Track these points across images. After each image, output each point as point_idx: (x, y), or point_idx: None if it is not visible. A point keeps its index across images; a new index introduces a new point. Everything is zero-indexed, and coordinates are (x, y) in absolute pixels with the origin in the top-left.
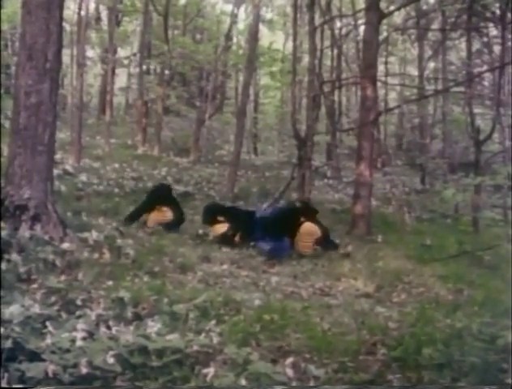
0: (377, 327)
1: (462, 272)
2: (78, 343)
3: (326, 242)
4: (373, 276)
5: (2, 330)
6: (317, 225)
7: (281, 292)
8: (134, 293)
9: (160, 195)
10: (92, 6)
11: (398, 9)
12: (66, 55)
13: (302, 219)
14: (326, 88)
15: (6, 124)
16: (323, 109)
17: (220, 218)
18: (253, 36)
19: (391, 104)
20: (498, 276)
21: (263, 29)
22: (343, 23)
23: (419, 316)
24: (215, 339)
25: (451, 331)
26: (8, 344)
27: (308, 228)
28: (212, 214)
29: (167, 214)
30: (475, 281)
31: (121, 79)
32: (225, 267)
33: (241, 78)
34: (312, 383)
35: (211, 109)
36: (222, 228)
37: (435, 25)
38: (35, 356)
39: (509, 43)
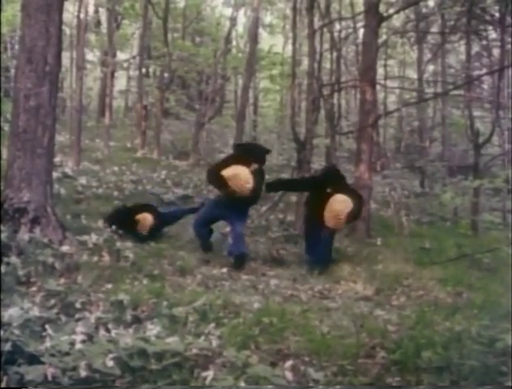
0: (376, 330)
1: (462, 275)
2: (78, 346)
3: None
4: (372, 279)
5: (2, 332)
6: (348, 194)
7: (280, 295)
8: (133, 296)
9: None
10: (92, 9)
11: (398, 12)
12: (66, 58)
13: (329, 189)
14: (326, 91)
15: (6, 127)
16: (322, 112)
17: None
18: (253, 39)
19: (390, 108)
20: (497, 279)
21: (263, 32)
22: (342, 26)
23: (418, 319)
24: (215, 342)
25: (450, 334)
26: (7, 346)
27: (340, 201)
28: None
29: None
30: (475, 284)
31: (120, 82)
32: (224, 269)
33: (241, 81)
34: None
35: (211, 112)
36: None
37: (434, 28)
38: (34, 359)
39: (509, 46)
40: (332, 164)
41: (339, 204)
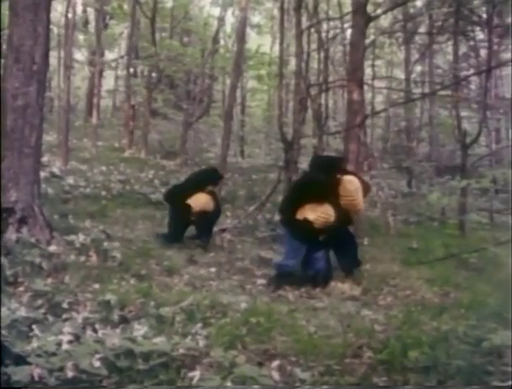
0: (363, 329)
1: (449, 275)
2: (65, 346)
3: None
4: (359, 279)
5: None
6: (350, 174)
7: (267, 294)
8: (120, 296)
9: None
10: (80, 8)
11: (385, 12)
12: (54, 57)
13: (338, 176)
14: (313, 91)
15: None
16: (310, 112)
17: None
18: (240, 39)
19: (378, 108)
20: (484, 279)
21: (251, 32)
22: (330, 26)
23: (405, 319)
24: (202, 343)
25: (437, 333)
26: None
27: (351, 180)
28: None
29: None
30: (462, 284)
31: (108, 82)
32: (212, 269)
33: (228, 81)
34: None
35: (198, 111)
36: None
37: (422, 29)
38: (21, 360)
39: (496, 47)
40: (317, 155)
41: (351, 184)
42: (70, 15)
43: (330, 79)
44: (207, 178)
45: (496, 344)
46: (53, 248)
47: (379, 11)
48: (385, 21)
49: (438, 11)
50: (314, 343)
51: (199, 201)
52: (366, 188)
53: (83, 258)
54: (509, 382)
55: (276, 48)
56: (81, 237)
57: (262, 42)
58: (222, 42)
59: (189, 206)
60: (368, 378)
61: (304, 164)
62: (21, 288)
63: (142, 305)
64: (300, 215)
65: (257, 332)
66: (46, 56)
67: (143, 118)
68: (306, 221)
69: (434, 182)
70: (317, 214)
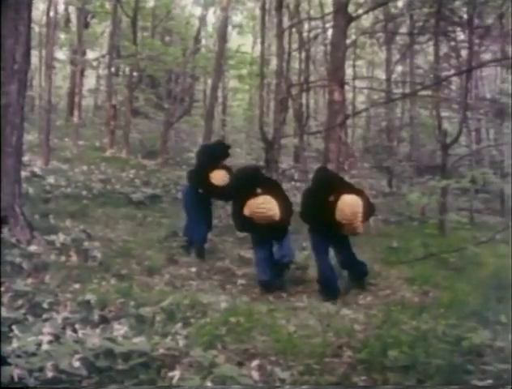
0: (342, 329)
1: (429, 274)
2: (45, 346)
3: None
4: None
5: None
6: (353, 192)
7: (247, 294)
8: (100, 296)
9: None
10: (61, 7)
11: (367, 12)
12: (35, 56)
13: (332, 197)
14: (294, 91)
15: None
16: (291, 112)
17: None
18: (222, 38)
19: (359, 108)
20: (464, 279)
21: (232, 32)
22: (311, 26)
23: (385, 318)
24: (182, 342)
25: (417, 333)
26: None
27: (351, 204)
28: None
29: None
30: (441, 283)
31: (89, 81)
32: (193, 269)
33: (210, 80)
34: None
35: (180, 111)
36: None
37: (403, 29)
38: (1, 360)
39: (476, 47)
40: (322, 167)
41: (349, 207)
42: (51, 14)
43: (311, 78)
44: (220, 154)
45: (475, 343)
46: (33, 248)
47: (360, 11)
48: (366, 21)
49: (419, 12)
50: (294, 342)
51: (219, 177)
52: (369, 210)
53: (63, 258)
54: (489, 381)
55: (257, 47)
56: (61, 237)
57: (243, 42)
58: (203, 42)
59: (212, 184)
60: (347, 377)
61: (284, 163)
62: (1, 289)
63: (122, 305)
64: (244, 211)
65: (237, 332)
66: (27, 55)
67: (125, 118)
68: (245, 217)
69: (414, 182)
70: (251, 208)
